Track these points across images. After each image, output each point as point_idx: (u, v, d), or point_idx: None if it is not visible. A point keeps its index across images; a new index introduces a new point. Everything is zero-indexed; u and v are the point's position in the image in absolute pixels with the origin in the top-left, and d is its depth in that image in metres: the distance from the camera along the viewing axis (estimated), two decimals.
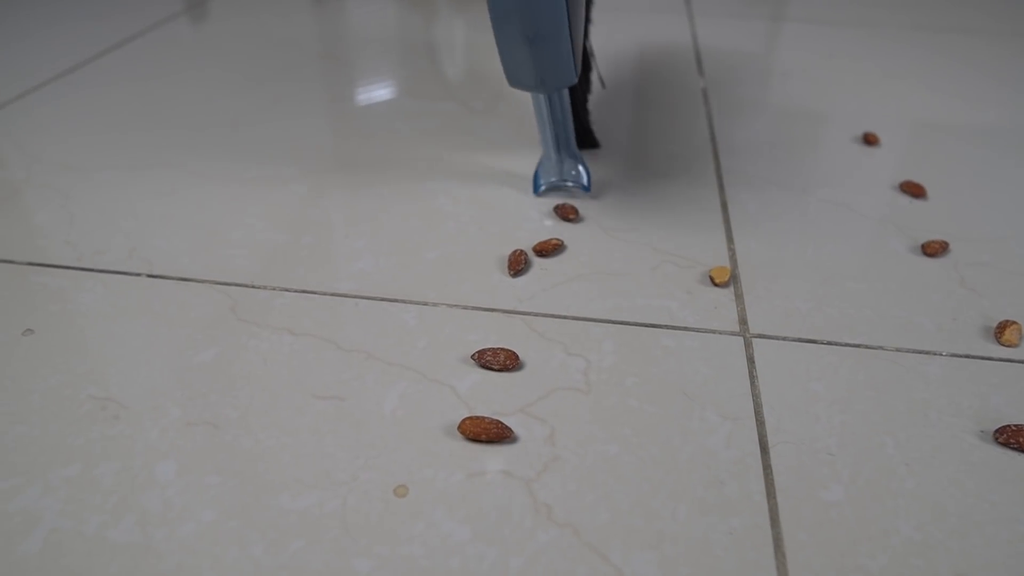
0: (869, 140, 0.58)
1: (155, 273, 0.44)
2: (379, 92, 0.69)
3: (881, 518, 0.30)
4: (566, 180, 0.51)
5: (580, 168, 0.51)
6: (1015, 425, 0.33)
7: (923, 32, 0.86)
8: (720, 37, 0.84)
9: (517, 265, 0.43)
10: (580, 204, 0.50)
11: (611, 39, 0.83)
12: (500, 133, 0.61)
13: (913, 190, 0.51)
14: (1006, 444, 0.33)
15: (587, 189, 0.51)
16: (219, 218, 0.50)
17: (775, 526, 0.30)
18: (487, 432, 0.32)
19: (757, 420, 0.34)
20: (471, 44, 0.83)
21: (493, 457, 0.32)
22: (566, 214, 0.48)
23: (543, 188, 0.51)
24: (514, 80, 0.44)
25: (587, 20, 0.58)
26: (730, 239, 0.47)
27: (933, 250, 0.45)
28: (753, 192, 0.52)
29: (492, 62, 0.77)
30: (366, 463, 0.32)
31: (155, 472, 0.32)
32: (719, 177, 0.54)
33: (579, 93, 0.54)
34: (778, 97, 0.68)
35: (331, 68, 0.75)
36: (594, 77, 0.64)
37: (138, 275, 0.44)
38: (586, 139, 0.57)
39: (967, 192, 0.52)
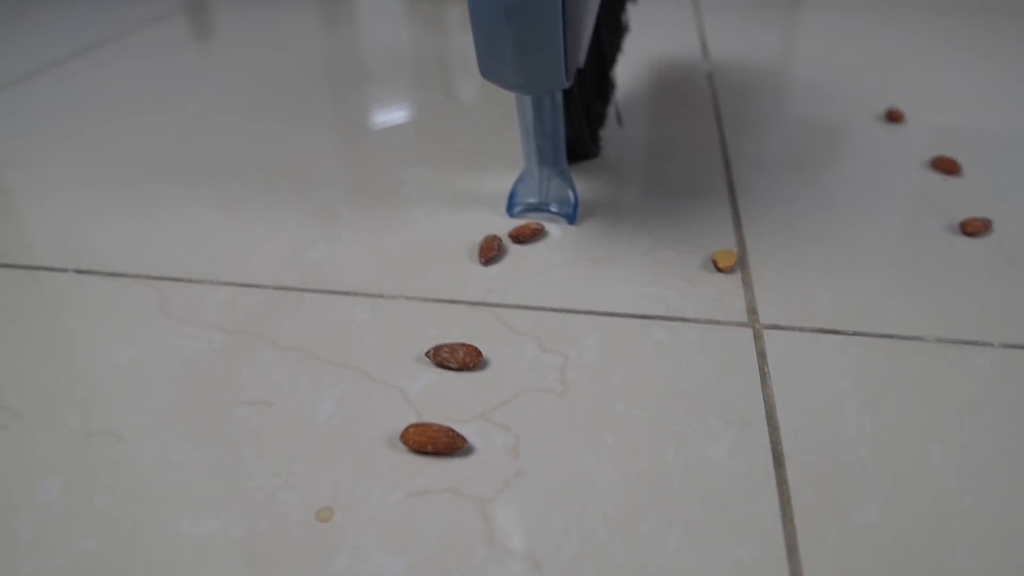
0: (893, 117, 0.52)
1: (83, 268, 0.39)
2: (356, 83, 0.65)
3: (929, 545, 0.24)
4: (548, 204, 0.42)
5: (568, 192, 0.41)
6: None
7: (936, 15, 0.80)
8: (727, 22, 0.78)
9: (489, 252, 0.37)
10: None
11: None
12: (482, 119, 0.56)
13: (946, 166, 0.45)
14: None
15: (572, 219, 0.41)
16: (164, 210, 0.45)
17: (793, 557, 0.23)
18: (434, 442, 0.26)
19: (770, 425, 0.28)
20: (461, 39, 0.78)
21: (441, 472, 0.26)
22: None
23: (518, 209, 0.42)
24: (487, 70, 0.33)
25: (618, 48, 0.52)
26: (737, 222, 0.41)
27: (974, 229, 0.39)
28: (763, 172, 0.46)
29: None
30: (287, 480, 0.26)
31: (36, 491, 0.26)
32: (725, 158, 0.48)
33: (587, 95, 0.45)
34: (789, 78, 0.62)
35: (310, 64, 0.71)
36: (611, 111, 0.56)
37: (65, 270, 0.39)
38: (585, 148, 0.47)
39: (1007, 168, 0.46)
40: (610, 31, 0.47)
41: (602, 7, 0.44)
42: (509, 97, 0.60)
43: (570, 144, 0.46)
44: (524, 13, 0.30)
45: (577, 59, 0.34)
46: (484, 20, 0.31)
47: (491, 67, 0.33)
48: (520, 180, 0.42)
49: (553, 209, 0.41)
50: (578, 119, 0.44)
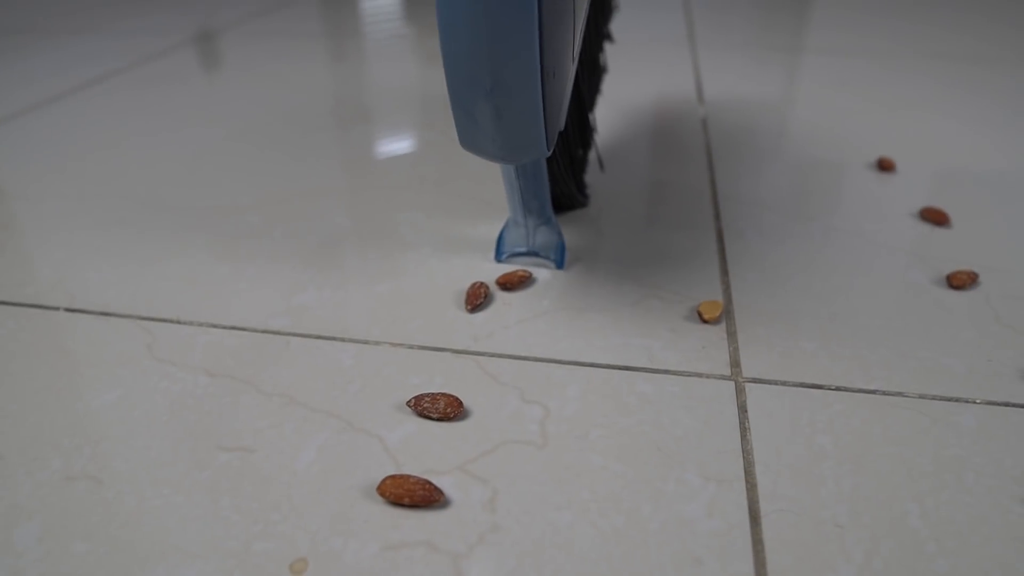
0: (884, 166, 0.53)
1: (75, 307, 0.40)
2: (359, 120, 0.66)
3: None
4: (535, 252, 0.42)
5: (555, 240, 0.41)
6: None
7: (940, 60, 0.81)
8: (724, 63, 0.80)
9: (476, 299, 0.38)
10: None
11: (609, 65, 0.79)
12: (480, 162, 0.57)
13: (935, 217, 0.45)
14: None
15: (560, 265, 0.41)
16: (159, 249, 0.45)
17: None
18: (411, 495, 0.26)
19: (748, 482, 0.28)
20: None
21: (417, 525, 0.26)
22: None
23: (505, 257, 0.42)
24: (468, 142, 0.33)
25: (597, 91, 0.51)
26: (724, 271, 0.41)
27: (960, 282, 0.39)
28: (753, 220, 0.47)
29: None
30: (264, 530, 0.26)
31: (13, 537, 0.26)
32: (715, 205, 0.49)
33: (570, 146, 0.44)
34: (784, 123, 0.63)
35: (314, 99, 0.72)
36: (592, 156, 0.56)
37: (56, 309, 0.39)
38: (572, 200, 0.47)
39: (996, 220, 0.46)
40: (589, 74, 0.47)
41: (581, 50, 0.44)
42: None
43: (556, 198, 0.46)
44: (503, 90, 0.30)
45: (558, 125, 0.34)
46: (463, 96, 0.31)
47: (471, 140, 0.33)
48: (507, 228, 0.42)
49: (540, 256, 0.42)
50: (563, 176, 0.44)
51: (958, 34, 0.92)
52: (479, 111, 0.31)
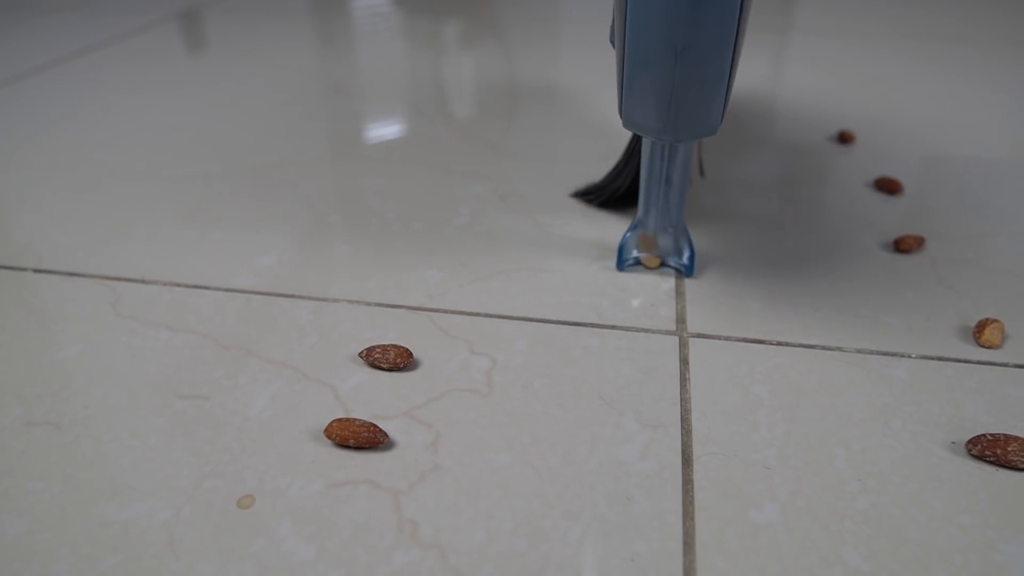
0: (845, 138, 0.54)
1: (43, 268, 0.40)
2: (342, 99, 0.66)
3: (822, 544, 0.25)
4: (664, 257, 0.39)
5: (683, 245, 0.38)
6: (992, 435, 0.28)
7: (911, 40, 0.82)
8: None
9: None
10: (514, 197, 0.46)
11: (583, 40, 0.80)
12: (448, 135, 0.57)
13: (889, 186, 0.46)
14: (980, 456, 0.27)
15: (689, 272, 0.38)
16: (128, 214, 0.46)
17: (688, 552, 0.24)
18: (356, 437, 0.27)
19: (683, 428, 0.29)
20: (454, 59, 0.80)
21: (361, 465, 0.27)
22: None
23: (630, 263, 0.39)
24: (633, 115, 0.30)
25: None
26: None
27: (907, 246, 0.40)
28: (710, 188, 0.48)
29: (460, 70, 0.74)
30: (214, 469, 0.27)
31: None
32: None
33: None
34: (754, 100, 0.64)
35: (299, 78, 0.72)
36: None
37: (24, 270, 0.40)
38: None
39: (949, 189, 0.47)
40: None
41: None
42: (490, 126, 0.62)
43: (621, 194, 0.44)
44: (695, 53, 0.28)
45: (729, 101, 0.31)
46: (645, 60, 0.28)
47: (636, 110, 0.30)
48: (630, 234, 0.38)
49: (671, 263, 0.39)
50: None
51: (939, 14, 0.93)
52: (662, 79, 0.28)
